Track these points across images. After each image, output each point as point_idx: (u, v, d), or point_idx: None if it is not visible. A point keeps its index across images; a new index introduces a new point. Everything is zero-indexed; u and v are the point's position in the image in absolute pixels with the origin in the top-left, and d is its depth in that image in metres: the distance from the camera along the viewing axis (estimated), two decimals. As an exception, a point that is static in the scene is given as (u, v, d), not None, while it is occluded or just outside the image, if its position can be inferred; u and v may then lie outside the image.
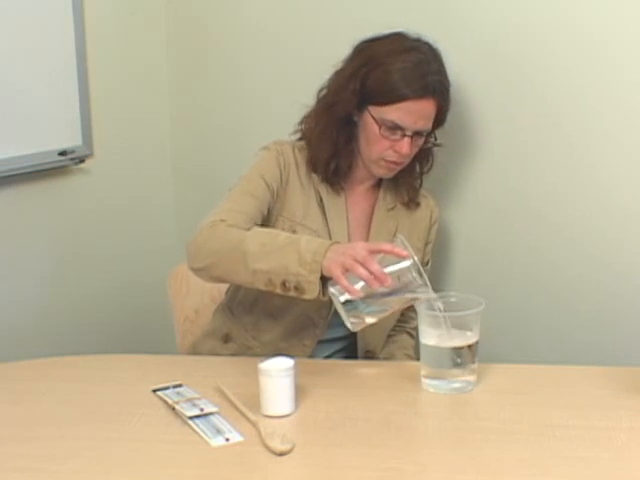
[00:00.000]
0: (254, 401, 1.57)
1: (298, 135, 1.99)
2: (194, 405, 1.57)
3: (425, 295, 1.62)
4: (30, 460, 1.45)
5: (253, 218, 1.82)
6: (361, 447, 1.47)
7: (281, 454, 1.43)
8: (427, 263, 2.04)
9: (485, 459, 1.44)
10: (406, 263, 1.59)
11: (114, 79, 2.53)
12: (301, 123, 1.98)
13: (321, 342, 1.96)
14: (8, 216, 2.32)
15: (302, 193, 1.93)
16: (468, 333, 1.65)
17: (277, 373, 1.56)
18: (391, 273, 1.58)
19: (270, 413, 1.56)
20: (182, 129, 2.67)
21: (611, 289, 2.04)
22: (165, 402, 1.61)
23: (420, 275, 1.59)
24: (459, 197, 2.21)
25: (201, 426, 1.51)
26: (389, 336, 2.05)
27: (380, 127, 1.86)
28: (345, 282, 1.57)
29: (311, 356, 1.94)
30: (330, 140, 1.91)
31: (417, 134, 1.88)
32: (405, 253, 1.58)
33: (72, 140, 2.41)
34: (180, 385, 1.67)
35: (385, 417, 1.57)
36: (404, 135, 1.86)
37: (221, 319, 2.02)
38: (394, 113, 1.84)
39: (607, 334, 2.06)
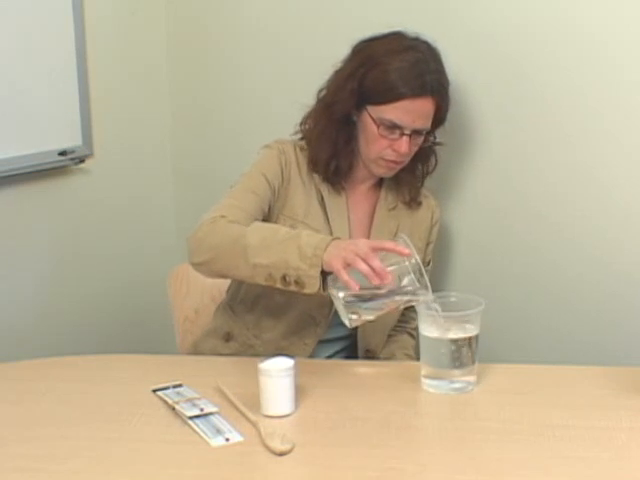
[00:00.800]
0: (254, 401, 1.57)
1: (299, 135, 1.99)
2: (194, 405, 1.57)
3: (424, 297, 1.61)
4: (30, 460, 1.45)
5: (254, 215, 1.82)
6: (361, 447, 1.47)
7: (281, 454, 1.43)
8: (428, 263, 2.04)
9: (485, 459, 1.43)
10: (407, 262, 1.59)
11: (114, 79, 2.53)
12: (302, 123, 1.98)
13: (322, 342, 1.96)
14: (8, 216, 2.32)
15: (303, 192, 1.93)
16: (468, 326, 1.65)
17: (277, 373, 1.56)
18: (392, 271, 1.58)
19: (270, 413, 1.56)
20: (182, 129, 2.67)
21: (611, 289, 2.04)
22: (165, 402, 1.61)
23: (421, 275, 1.58)
24: (459, 197, 2.21)
25: (201, 426, 1.51)
26: (390, 336, 2.05)
27: (378, 126, 1.86)
28: (345, 276, 1.56)
29: (312, 356, 1.94)
30: (330, 140, 1.91)
31: (416, 133, 1.88)
32: (407, 252, 1.58)
33: (72, 140, 2.41)
34: (180, 385, 1.67)
35: (385, 417, 1.57)
36: (403, 134, 1.86)
37: (222, 318, 2.02)
38: (392, 112, 1.84)
39: (607, 334, 2.06)
